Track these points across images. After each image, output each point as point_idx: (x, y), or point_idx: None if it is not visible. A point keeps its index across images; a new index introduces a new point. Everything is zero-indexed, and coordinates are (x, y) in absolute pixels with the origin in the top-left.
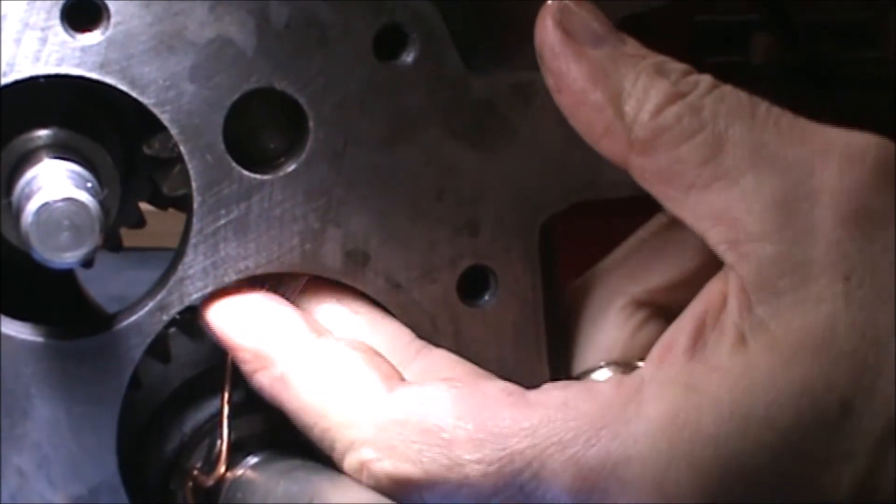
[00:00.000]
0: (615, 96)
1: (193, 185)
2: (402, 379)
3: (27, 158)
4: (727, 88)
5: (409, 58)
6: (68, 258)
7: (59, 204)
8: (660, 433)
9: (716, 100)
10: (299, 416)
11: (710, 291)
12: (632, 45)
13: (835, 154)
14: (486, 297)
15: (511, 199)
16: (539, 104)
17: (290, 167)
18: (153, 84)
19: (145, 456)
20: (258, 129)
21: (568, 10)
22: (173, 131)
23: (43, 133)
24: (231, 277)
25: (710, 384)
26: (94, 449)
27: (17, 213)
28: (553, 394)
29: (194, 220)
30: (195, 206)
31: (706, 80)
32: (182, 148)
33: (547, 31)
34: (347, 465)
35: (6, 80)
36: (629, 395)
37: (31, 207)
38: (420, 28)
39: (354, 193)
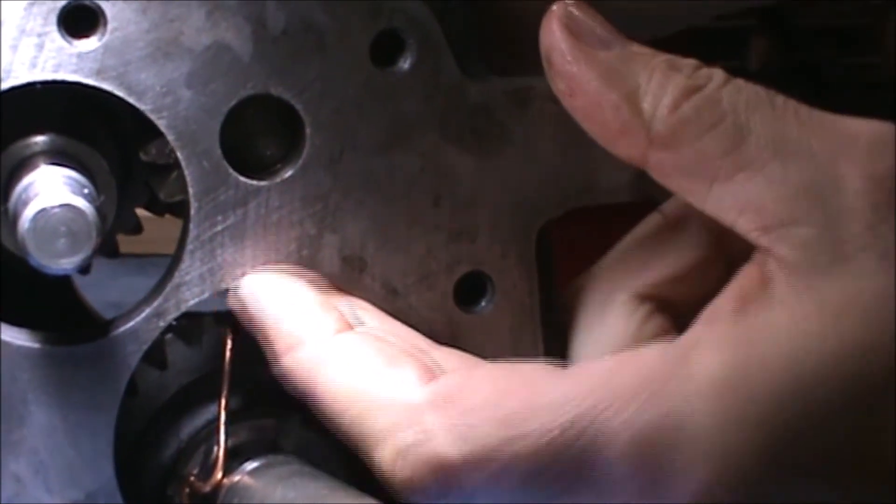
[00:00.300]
0: (631, 94)
1: (190, 191)
2: (439, 365)
3: (24, 165)
4: (741, 81)
5: (405, 63)
6: (65, 264)
7: (56, 210)
8: (712, 392)
9: (733, 91)
10: (330, 401)
11: (748, 271)
12: (638, 45)
13: (861, 141)
14: (483, 303)
15: (508, 204)
16: (535, 110)
17: (287, 173)
18: (150, 90)
19: (142, 462)
20: (255, 135)
21: (573, 14)
22: (170, 137)
23: (39, 139)
24: (228, 284)
25: (759, 343)
26: (91, 455)
27: (13, 220)
28: (594, 365)
29: (191, 226)
30: (192, 212)
31: (719, 72)
32: (179, 154)
33: (554, 36)
34: (382, 453)
35: (3, 86)
36: (677, 358)
37: (27, 213)
38: (417, 34)
39: (351, 199)
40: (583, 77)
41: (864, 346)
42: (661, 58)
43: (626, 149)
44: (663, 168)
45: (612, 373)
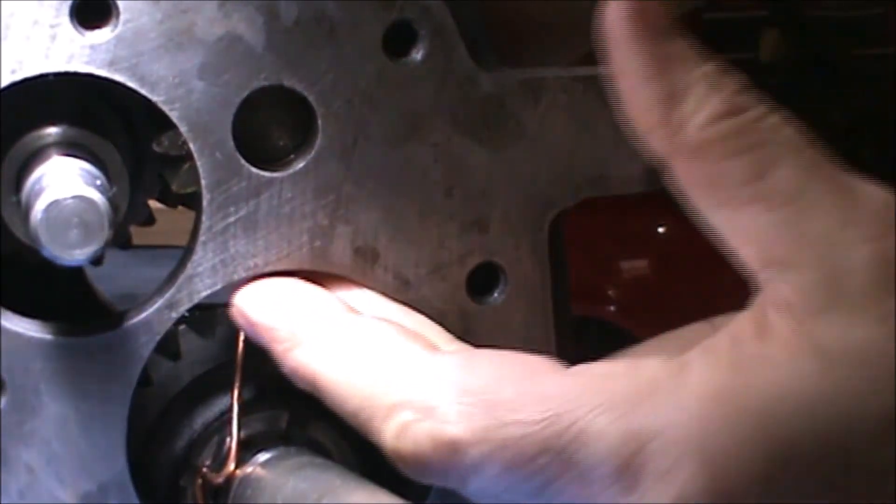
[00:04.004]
0: (671, 96)
1: (203, 182)
2: (438, 346)
3: (36, 156)
4: (781, 117)
5: (418, 54)
6: (77, 255)
7: (69, 201)
8: (703, 402)
9: (770, 127)
10: (336, 390)
11: (745, 315)
12: (692, 44)
13: (878, 217)
14: (496, 294)
15: (520, 195)
16: (548, 101)
17: (300, 164)
18: (162, 81)
19: (155, 453)
20: (267, 127)
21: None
22: (182, 129)
23: (52, 130)
24: (240, 275)
25: (755, 369)
26: (104, 446)
27: (26, 211)
28: (597, 366)
29: (203, 217)
30: (204, 203)
31: (763, 102)
32: (191, 145)
33: (614, 15)
34: (387, 431)
35: (15, 77)
36: (675, 370)
37: (40, 205)
38: (429, 24)
39: (364, 190)
40: (628, 64)
41: (861, 390)
42: (709, 67)
43: (654, 144)
44: (682, 176)
45: (608, 375)
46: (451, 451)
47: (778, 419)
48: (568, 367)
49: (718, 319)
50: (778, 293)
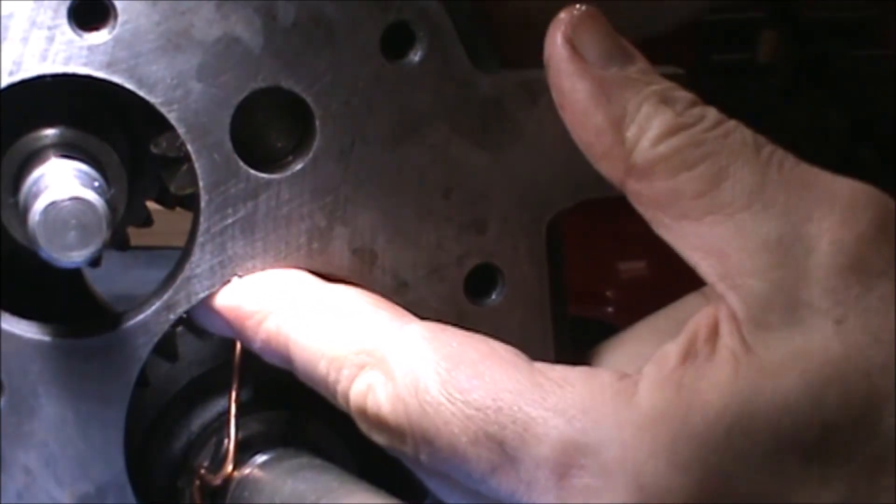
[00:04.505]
0: (617, 120)
1: (201, 183)
2: (413, 318)
3: (34, 157)
4: (732, 124)
5: (416, 56)
6: (75, 257)
7: (66, 203)
8: (646, 424)
9: (720, 135)
10: (306, 352)
11: (704, 314)
12: (640, 67)
13: (836, 204)
14: (494, 296)
15: (518, 196)
16: (546, 102)
17: (298, 166)
18: (160, 83)
19: (153, 454)
20: (265, 128)
21: (579, 25)
22: (180, 130)
23: (50, 132)
24: (238, 276)
25: (699, 387)
26: (102, 447)
27: (24, 212)
28: (556, 368)
29: (201, 219)
30: (202, 204)
31: (712, 113)
32: (189, 147)
33: (555, 46)
34: (354, 390)
35: (13, 78)
36: (625, 387)
37: (38, 206)
38: (427, 26)
39: (361, 192)
40: (574, 94)
41: (799, 404)
42: (656, 87)
43: (606, 171)
44: (638, 197)
45: (563, 381)
46: (405, 418)
47: (714, 445)
48: (532, 363)
49: (709, 289)
50: (729, 306)
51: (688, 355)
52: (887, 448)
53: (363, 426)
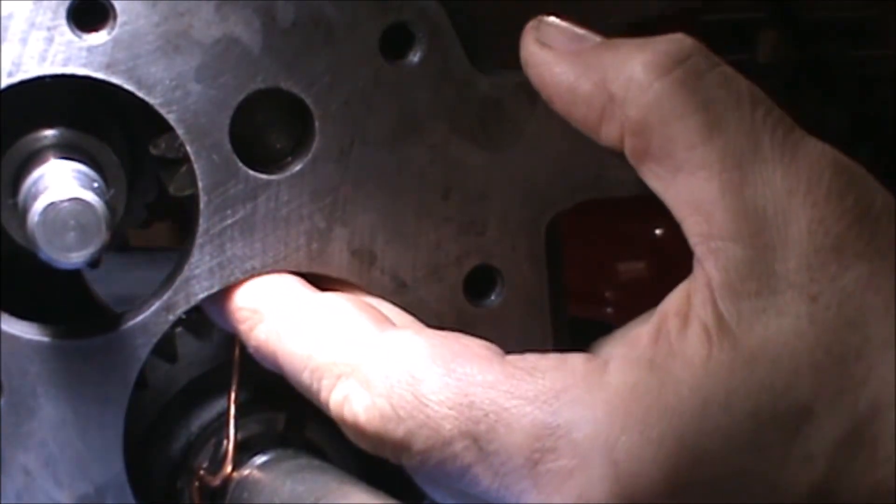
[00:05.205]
0: (601, 81)
1: (200, 185)
2: (393, 324)
3: (33, 158)
4: (729, 71)
5: (415, 57)
6: (75, 258)
7: (66, 204)
8: (617, 400)
9: (718, 83)
10: (292, 362)
11: (679, 290)
12: (610, 40)
13: (822, 180)
14: (493, 297)
15: (517, 197)
16: (545, 103)
17: (297, 167)
18: (159, 84)
19: (152, 455)
20: (264, 129)
21: (543, 22)
22: (180, 131)
23: (49, 133)
24: (237, 277)
25: (672, 365)
26: (101, 448)
27: (23, 213)
28: (528, 358)
29: (201, 220)
30: (201, 206)
31: (702, 54)
32: (188, 148)
33: (528, 49)
34: (333, 400)
35: (12, 79)
36: (595, 367)
37: (37, 207)
38: (426, 27)
39: (361, 192)
40: (555, 78)
41: (774, 386)
42: (633, 41)
43: (607, 136)
44: (635, 151)
45: (535, 369)
46: (381, 425)
47: (689, 419)
48: (504, 355)
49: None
50: (706, 272)
51: (659, 333)
52: (866, 428)
53: (346, 433)
